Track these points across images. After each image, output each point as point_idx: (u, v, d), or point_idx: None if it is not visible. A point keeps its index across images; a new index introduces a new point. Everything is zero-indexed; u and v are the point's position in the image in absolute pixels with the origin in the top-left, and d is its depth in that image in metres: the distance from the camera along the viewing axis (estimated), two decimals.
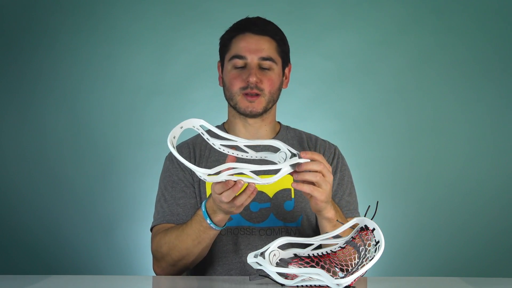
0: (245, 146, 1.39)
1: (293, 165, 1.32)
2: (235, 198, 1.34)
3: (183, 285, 1.43)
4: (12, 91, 3.13)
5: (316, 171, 1.34)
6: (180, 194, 1.65)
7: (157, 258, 1.59)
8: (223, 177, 1.29)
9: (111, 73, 3.16)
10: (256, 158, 1.40)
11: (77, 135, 3.12)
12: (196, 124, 1.34)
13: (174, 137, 1.32)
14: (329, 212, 1.43)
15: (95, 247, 3.09)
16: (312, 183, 1.35)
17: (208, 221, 1.44)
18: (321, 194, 1.36)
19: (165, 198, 1.66)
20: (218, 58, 1.76)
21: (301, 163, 1.32)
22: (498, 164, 3.12)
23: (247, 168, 1.28)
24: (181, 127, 1.33)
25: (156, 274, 1.61)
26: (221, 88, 1.75)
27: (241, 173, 1.30)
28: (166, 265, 1.57)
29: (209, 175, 1.28)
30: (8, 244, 3.09)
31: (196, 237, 1.48)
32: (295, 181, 1.37)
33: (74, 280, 1.42)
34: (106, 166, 3.13)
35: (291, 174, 1.34)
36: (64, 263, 3.06)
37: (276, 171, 1.31)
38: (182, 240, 1.51)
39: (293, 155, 1.34)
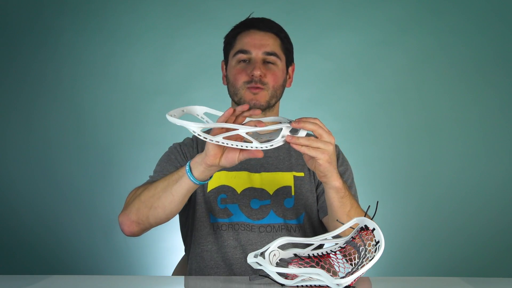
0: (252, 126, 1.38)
1: (291, 130, 1.30)
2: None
3: (184, 285, 1.43)
4: (15, 91, 3.13)
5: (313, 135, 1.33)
6: (172, 169, 1.62)
7: (128, 203, 1.54)
8: (218, 138, 1.27)
9: (111, 73, 3.16)
10: (262, 140, 1.37)
11: (78, 135, 3.12)
12: (200, 112, 1.35)
13: (174, 115, 1.31)
14: (336, 180, 1.38)
15: (95, 247, 3.09)
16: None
17: (187, 167, 1.39)
18: (320, 153, 1.31)
19: (155, 170, 1.67)
20: (218, 58, 1.76)
21: (297, 126, 1.31)
22: (497, 163, 3.12)
23: (243, 129, 1.26)
24: (183, 110, 1.33)
25: (120, 223, 1.56)
26: (222, 87, 1.75)
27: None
28: (131, 210, 1.51)
29: (203, 131, 1.26)
30: (8, 244, 3.09)
31: (168, 177, 1.44)
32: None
33: (74, 280, 1.42)
34: (107, 166, 3.13)
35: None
36: (65, 263, 3.06)
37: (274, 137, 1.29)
38: (158, 182, 1.47)
39: (291, 121, 1.32)
